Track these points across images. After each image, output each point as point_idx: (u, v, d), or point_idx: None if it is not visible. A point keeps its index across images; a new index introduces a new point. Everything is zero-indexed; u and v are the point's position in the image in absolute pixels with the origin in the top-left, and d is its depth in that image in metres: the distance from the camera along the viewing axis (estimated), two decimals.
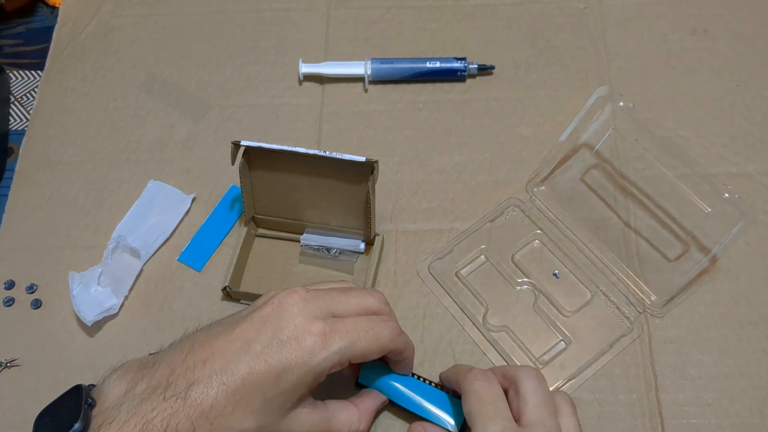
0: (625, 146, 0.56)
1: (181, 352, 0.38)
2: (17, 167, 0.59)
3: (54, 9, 0.68)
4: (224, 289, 0.50)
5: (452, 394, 0.45)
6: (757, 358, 0.49)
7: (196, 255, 0.54)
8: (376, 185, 0.49)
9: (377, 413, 0.46)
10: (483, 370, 0.41)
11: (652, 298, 0.50)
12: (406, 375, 0.45)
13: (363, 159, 0.46)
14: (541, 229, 0.54)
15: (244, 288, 0.52)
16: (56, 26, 0.66)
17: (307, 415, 0.40)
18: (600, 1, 0.64)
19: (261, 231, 0.55)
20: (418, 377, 0.46)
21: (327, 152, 0.47)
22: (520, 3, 0.65)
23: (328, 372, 0.38)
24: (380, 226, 0.54)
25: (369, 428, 0.44)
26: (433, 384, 0.46)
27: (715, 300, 0.51)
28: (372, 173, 0.47)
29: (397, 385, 0.45)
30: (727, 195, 0.46)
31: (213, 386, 0.36)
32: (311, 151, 0.47)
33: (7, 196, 0.58)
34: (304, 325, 0.38)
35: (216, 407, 0.36)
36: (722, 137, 0.57)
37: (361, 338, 0.39)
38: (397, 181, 0.57)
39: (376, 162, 0.47)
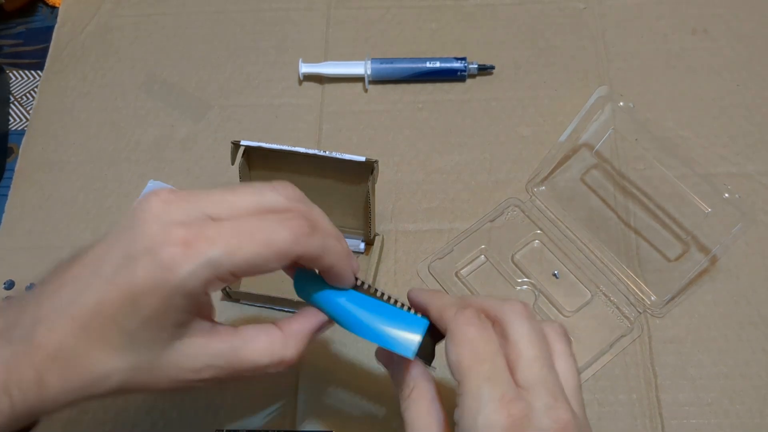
0: (625, 146, 0.56)
1: (39, 284, 0.32)
2: (17, 167, 0.59)
3: (54, 9, 0.68)
4: (224, 289, 0.50)
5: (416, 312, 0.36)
6: (757, 358, 0.49)
7: None
8: (376, 185, 0.48)
9: (317, 335, 0.36)
10: (475, 311, 0.34)
11: (652, 298, 0.50)
12: (345, 287, 0.35)
13: (363, 159, 0.46)
14: (541, 229, 0.54)
15: (243, 288, 0.52)
16: (56, 26, 0.66)
17: (203, 346, 0.32)
18: (600, 1, 0.64)
19: None
20: (374, 291, 0.36)
21: (327, 152, 0.47)
22: (520, 3, 0.65)
23: (205, 290, 0.30)
24: (380, 226, 0.54)
25: (299, 355, 0.34)
26: (386, 298, 0.36)
27: (715, 300, 0.51)
28: (372, 173, 0.47)
29: (336, 298, 0.35)
30: (727, 195, 0.46)
31: (59, 323, 0.29)
32: (311, 151, 0.47)
33: (6, 196, 0.58)
34: (160, 234, 0.29)
35: (65, 348, 0.29)
36: (722, 137, 0.57)
37: (244, 244, 0.30)
38: (397, 181, 0.57)
39: (376, 162, 0.47)
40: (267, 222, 0.31)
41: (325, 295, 0.35)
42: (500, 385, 0.31)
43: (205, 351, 0.32)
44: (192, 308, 0.31)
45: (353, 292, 0.35)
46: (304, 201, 0.33)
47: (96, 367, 0.30)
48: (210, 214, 0.31)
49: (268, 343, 0.33)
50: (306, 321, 0.35)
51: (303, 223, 0.31)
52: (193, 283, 0.29)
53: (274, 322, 0.35)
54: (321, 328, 0.36)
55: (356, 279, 0.36)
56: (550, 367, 0.32)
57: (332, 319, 0.35)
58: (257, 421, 0.48)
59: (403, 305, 0.36)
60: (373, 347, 0.36)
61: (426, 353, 0.36)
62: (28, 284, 0.53)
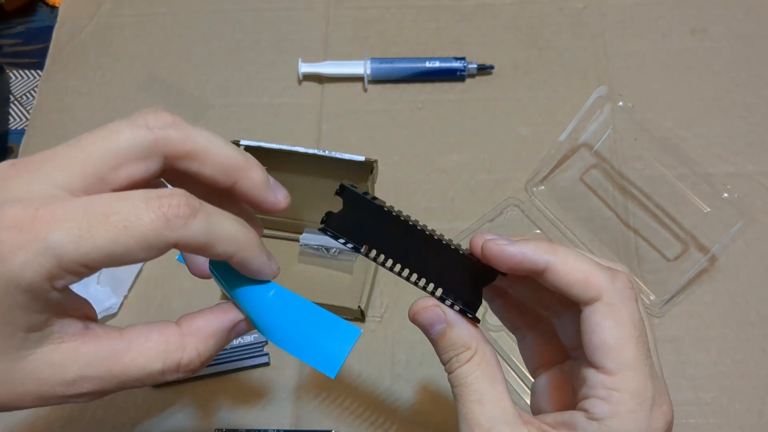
0: (624, 146, 0.56)
1: None
2: None
3: (54, 8, 0.68)
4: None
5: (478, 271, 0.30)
6: (756, 357, 0.49)
7: None
8: (375, 185, 0.49)
9: (231, 337, 0.30)
10: (629, 277, 0.29)
11: (651, 298, 0.50)
12: (263, 280, 0.28)
13: (362, 159, 0.46)
14: (540, 229, 0.54)
15: None
16: (56, 25, 0.66)
17: (71, 352, 0.26)
18: (599, 1, 0.64)
19: None
20: (406, 219, 0.29)
21: (326, 152, 0.47)
22: (519, 3, 0.65)
23: (53, 285, 0.24)
24: None
25: (202, 359, 0.28)
26: (437, 237, 0.30)
27: (714, 300, 0.51)
28: (371, 173, 0.47)
29: (252, 293, 0.28)
30: (726, 195, 0.47)
31: None
32: (310, 151, 0.47)
33: None
34: None
35: None
36: (721, 137, 0.57)
37: (95, 227, 0.23)
38: (396, 180, 0.57)
39: (376, 162, 0.47)
40: (129, 200, 0.24)
41: (241, 288, 0.28)
42: (658, 384, 0.27)
43: (75, 359, 0.26)
44: (47, 307, 0.24)
45: (273, 287, 0.28)
46: (175, 125, 0.26)
47: None
48: (59, 182, 0.25)
49: (160, 343, 0.27)
50: (213, 317, 0.29)
51: (179, 201, 0.24)
52: (30, 275, 0.23)
53: (178, 319, 0.29)
54: (234, 328, 0.29)
55: (366, 195, 0.29)
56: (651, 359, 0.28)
57: (248, 319, 0.29)
58: (257, 421, 0.48)
59: (459, 250, 0.30)
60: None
61: (470, 300, 0.30)
62: None
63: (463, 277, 0.30)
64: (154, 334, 0.28)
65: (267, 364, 0.50)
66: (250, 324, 0.29)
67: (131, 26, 0.66)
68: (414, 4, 0.66)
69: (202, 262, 0.29)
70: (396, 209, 0.30)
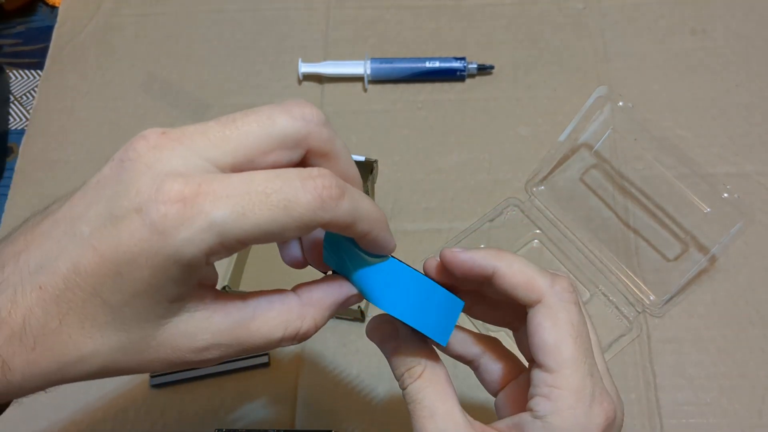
0: (624, 146, 0.56)
1: (4, 245, 0.26)
2: (17, 166, 0.59)
3: (54, 8, 0.68)
4: (224, 288, 0.51)
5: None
6: (756, 357, 0.49)
7: None
8: (375, 185, 0.49)
9: (341, 309, 0.31)
10: (570, 282, 0.30)
11: (651, 298, 0.50)
12: (381, 255, 0.30)
13: (362, 159, 0.46)
14: (540, 229, 0.54)
15: (243, 287, 0.52)
16: (56, 25, 0.66)
17: (204, 321, 0.26)
18: (599, 1, 0.64)
19: None
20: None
21: None
22: (519, 3, 0.65)
23: (208, 260, 0.24)
24: None
25: (317, 328, 0.29)
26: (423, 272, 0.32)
27: (714, 300, 0.51)
28: (371, 173, 0.47)
29: (368, 268, 0.30)
30: (726, 195, 0.47)
31: (26, 293, 0.24)
32: None
33: (6, 195, 0.58)
34: (150, 188, 0.23)
35: (33, 324, 0.24)
36: (721, 137, 0.57)
37: (257, 206, 0.23)
38: (396, 180, 0.57)
39: (376, 161, 0.47)
40: (286, 180, 0.24)
41: (357, 264, 0.29)
42: (598, 381, 0.29)
43: (207, 328, 0.26)
44: (191, 279, 0.25)
45: (393, 261, 0.30)
46: (326, 124, 0.27)
47: (71, 349, 0.25)
48: (211, 158, 0.25)
49: (283, 312, 0.28)
50: (330, 290, 0.29)
51: (330, 182, 0.25)
52: (192, 251, 0.23)
53: (294, 288, 0.29)
54: (347, 301, 0.30)
55: None
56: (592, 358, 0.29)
57: (361, 293, 0.30)
58: (257, 421, 0.48)
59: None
60: (372, 344, 0.35)
61: None
62: None
63: None
64: (276, 303, 0.28)
65: (267, 364, 0.50)
66: (360, 297, 0.30)
67: (131, 26, 0.66)
68: (414, 4, 0.66)
69: (296, 251, 0.30)
70: None
